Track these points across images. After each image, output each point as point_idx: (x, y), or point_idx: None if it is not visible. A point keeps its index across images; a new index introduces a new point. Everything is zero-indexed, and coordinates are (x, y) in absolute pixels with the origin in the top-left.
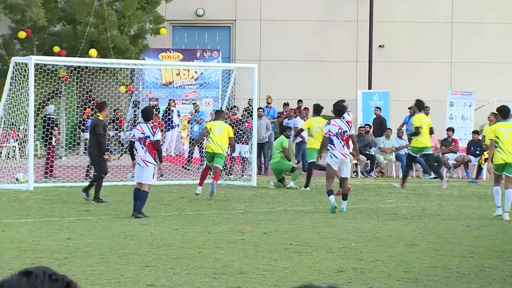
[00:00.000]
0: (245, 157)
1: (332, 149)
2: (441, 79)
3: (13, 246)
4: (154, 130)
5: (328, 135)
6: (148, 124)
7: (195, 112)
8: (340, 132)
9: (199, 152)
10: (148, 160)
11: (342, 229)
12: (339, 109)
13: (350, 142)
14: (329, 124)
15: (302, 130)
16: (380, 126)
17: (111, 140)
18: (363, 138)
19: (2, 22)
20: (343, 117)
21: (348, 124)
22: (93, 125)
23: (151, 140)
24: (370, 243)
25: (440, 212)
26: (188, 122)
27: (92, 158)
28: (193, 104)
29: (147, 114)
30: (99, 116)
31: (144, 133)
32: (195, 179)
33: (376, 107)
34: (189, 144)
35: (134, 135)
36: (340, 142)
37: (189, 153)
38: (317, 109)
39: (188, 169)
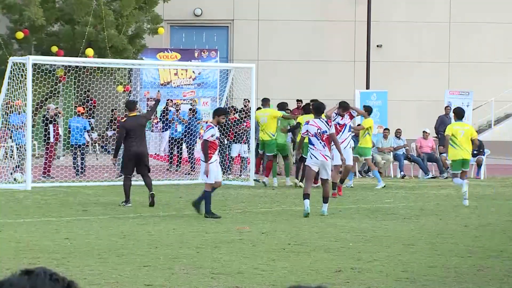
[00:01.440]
0: (244, 157)
1: (312, 149)
2: (439, 79)
3: (10, 246)
4: (206, 129)
5: (306, 135)
6: (321, 119)
7: (176, 111)
8: (319, 132)
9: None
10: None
11: (340, 229)
12: (318, 108)
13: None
14: (307, 124)
15: (299, 124)
16: None
17: (108, 140)
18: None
19: (0, 22)
20: (322, 117)
21: (328, 124)
22: (140, 123)
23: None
24: (368, 243)
25: (438, 212)
26: (171, 121)
27: (145, 157)
28: (175, 104)
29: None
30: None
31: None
32: (194, 179)
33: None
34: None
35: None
36: (320, 142)
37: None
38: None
39: (177, 170)
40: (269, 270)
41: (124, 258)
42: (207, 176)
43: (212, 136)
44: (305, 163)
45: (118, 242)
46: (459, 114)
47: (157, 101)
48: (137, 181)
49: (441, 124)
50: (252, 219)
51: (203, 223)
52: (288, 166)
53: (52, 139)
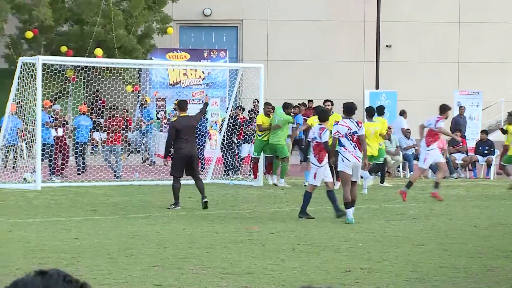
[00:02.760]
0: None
1: (344, 151)
2: (448, 79)
3: (20, 246)
4: (322, 132)
5: (337, 136)
6: (352, 120)
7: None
8: (349, 133)
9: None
10: (312, 162)
11: (349, 229)
12: (349, 108)
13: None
14: (337, 124)
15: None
16: None
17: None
18: None
19: (10, 22)
20: (353, 117)
21: (358, 125)
22: (191, 124)
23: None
24: (377, 243)
25: (448, 212)
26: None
27: (196, 159)
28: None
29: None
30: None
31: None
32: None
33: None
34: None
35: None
36: (351, 143)
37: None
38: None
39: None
40: (278, 270)
41: (134, 258)
42: (314, 178)
43: (328, 137)
44: (338, 169)
45: (127, 242)
46: (370, 112)
47: (206, 104)
48: (145, 181)
49: (456, 125)
50: (261, 219)
51: (212, 223)
52: (285, 168)
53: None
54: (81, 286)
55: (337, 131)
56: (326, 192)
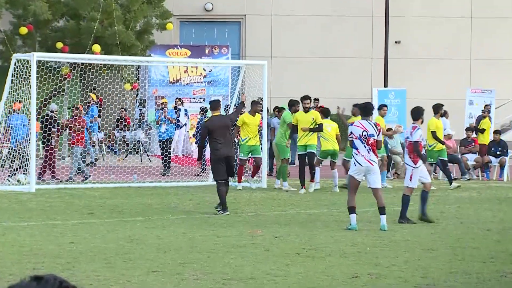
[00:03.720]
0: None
1: (356, 154)
2: (460, 76)
3: (14, 250)
4: (413, 131)
5: (350, 138)
6: (369, 121)
7: (161, 109)
8: (364, 135)
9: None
10: (406, 163)
11: (356, 233)
12: (365, 108)
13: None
14: (352, 125)
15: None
16: None
17: (115, 140)
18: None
19: (3, 17)
20: (369, 119)
21: (376, 127)
22: (225, 124)
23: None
24: (386, 248)
25: (459, 215)
26: (157, 122)
27: (233, 160)
28: (162, 103)
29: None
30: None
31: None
32: (203, 180)
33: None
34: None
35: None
36: (365, 146)
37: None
38: (326, 113)
39: (164, 174)
40: (282, 276)
41: (132, 263)
42: (410, 180)
43: (420, 136)
44: (348, 172)
45: (125, 246)
46: (326, 112)
47: (242, 103)
48: (144, 182)
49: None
50: (265, 223)
51: (213, 227)
52: (284, 169)
53: (53, 141)
54: None
55: (351, 132)
56: (421, 192)
